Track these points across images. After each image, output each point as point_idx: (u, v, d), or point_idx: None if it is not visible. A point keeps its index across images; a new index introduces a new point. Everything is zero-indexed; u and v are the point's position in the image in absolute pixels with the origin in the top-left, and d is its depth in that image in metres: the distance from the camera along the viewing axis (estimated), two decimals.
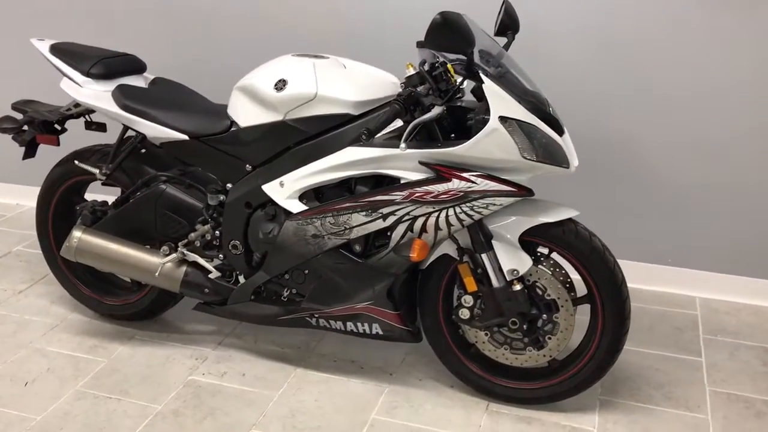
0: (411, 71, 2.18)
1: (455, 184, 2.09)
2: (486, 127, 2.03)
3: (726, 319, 2.95)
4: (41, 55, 2.72)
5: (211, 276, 2.54)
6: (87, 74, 2.58)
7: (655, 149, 2.99)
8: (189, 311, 2.78)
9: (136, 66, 2.69)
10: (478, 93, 2.19)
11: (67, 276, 2.91)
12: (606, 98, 2.97)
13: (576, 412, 2.41)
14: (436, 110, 2.08)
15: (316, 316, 2.47)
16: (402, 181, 2.16)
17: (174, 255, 2.53)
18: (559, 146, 2.11)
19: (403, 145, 2.05)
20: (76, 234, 2.55)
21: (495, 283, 2.25)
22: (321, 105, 2.24)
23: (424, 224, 2.17)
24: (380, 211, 2.18)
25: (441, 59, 2.15)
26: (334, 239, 2.27)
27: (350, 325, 2.46)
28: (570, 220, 2.23)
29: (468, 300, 2.30)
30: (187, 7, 3.42)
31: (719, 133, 2.91)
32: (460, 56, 2.09)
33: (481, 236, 2.22)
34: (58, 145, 2.78)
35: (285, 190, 2.32)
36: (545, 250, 2.32)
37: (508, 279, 2.24)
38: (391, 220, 2.19)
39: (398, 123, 2.20)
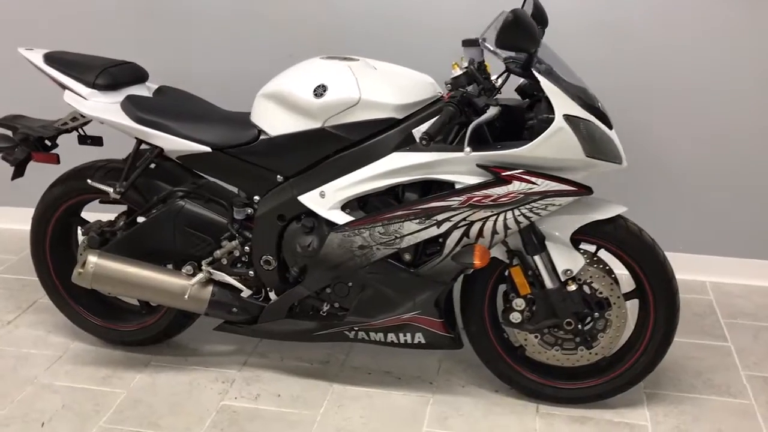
0: (457, 71, 2.11)
1: (515, 186, 2.04)
2: (552, 126, 1.97)
3: (740, 302, 3.00)
4: (30, 66, 2.51)
5: (242, 294, 2.40)
6: (92, 86, 2.39)
7: (665, 138, 3.02)
8: (201, 331, 2.64)
9: (139, 75, 2.51)
10: (528, 91, 2.14)
11: (69, 304, 2.71)
12: (613, 89, 2.96)
13: (625, 408, 2.39)
14: (493, 111, 2.01)
15: (356, 329, 2.37)
16: (457, 186, 2.09)
17: (201, 275, 2.38)
18: (613, 142, 2.08)
19: (468, 149, 1.98)
20: (92, 259, 2.36)
21: (549, 284, 2.20)
22: (364, 110, 2.14)
23: (481, 229, 2.10)
24: (435, 217, 2.10)
25: (481, 58, 2.09)
26: (383, 249, 2.18)
27: (391, 336, 2.37)
28: (618, 216, 2.21)
29: (519, 303, 2.25)
30: (166, 10, 3.23)
31: (725, 124, 2.97)
32: (514, 54, 2.03)
33: (534, 238, 2.17)
34: (58, 162, 2.57)
35: (327, 200, 2.21)
36: (591, 248, 2.29)
37: (562, 279, 2.20)
38: (446, 226, 2.11)
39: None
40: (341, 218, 2.20)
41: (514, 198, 2.05)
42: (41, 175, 2.71)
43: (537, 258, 2.18)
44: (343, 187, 2.19)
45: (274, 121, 2.26)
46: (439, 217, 2.10)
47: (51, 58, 2.45)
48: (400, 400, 2.45)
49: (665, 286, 2.24)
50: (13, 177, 2.65)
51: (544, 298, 2.22)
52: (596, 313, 2.27)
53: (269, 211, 2.31)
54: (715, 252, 3.13)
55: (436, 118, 1.99)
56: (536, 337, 2.33)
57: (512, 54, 2.07)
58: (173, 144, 2.34)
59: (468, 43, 2.12)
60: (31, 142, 2.52)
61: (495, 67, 2.23)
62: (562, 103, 1.98)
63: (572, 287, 2.21)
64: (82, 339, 2.78)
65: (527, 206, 2.06)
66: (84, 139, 2.63)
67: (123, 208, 2.65)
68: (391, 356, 2.64)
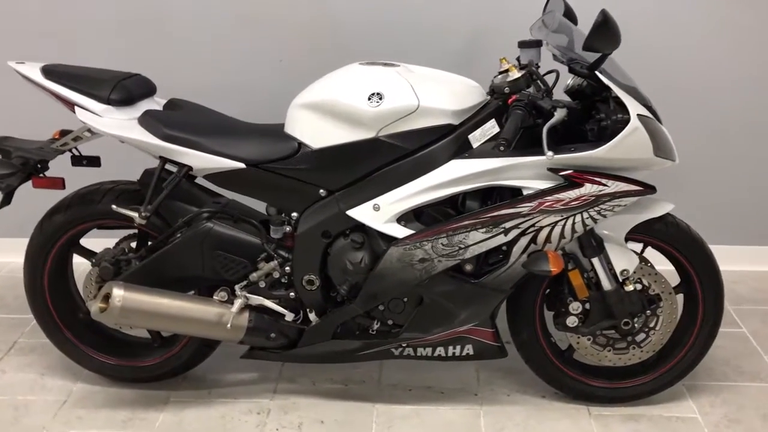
0: (505, 65, 2.08)
1: (587, 188, 2.00)
2: (628, 126, 1.95)
3: (738, 288, 3.11)
4: (23, 81, 2.25)
5: (286, 318, 2.25)
6: (107, 101, 2.17)
7: None
8: (215, 361, 2.48)
9: (149, 88, 2.31)
10: (586, 91, 2.11)
11: (72, 343, 2.46)
12: None
13: (670, 403, 2.41)
14: (562, 113, 1.97)
15: (404, 345, 2.27)
16: (525, 191, 2.03)
17: (240, 301, 2.21)
18: (669, 139, 2.09)
19: (550, 153, 1.92)
20: (118, 292, 2.13)
21: (607, 286, 2.18)
22: (422, 117, 2.05)
23: (549, 234, 2.06)
24: (503, 225, 2.04)
25: (539, 59, 2.05)
26: (445, 261, 2.09)
27: (440, 351, 2.29)
28: (667, 213, 2.22)
29: (576, 307, 2.22)
30: (148, 19, 3.01)
31: (722, 119, 3.07)
32: (576, 55, 2.00)
33: (593, 240, 2.15)
34: (63, 188, 2.32)
35: (382, 213, 2.10)
36: (638, 246, 2.30)
37: (620, 280, 2.19)
38: (513, 233, 2.05)
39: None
40: (399, 231, 2.09)
41: (585, 201, 2.01)
42: (27, 202, 2.45)
43: (596, 260, 2.16)
44: (400, 199, 2.08)
45: (317, 132, 2.12)
46: (507, 225, 2.04)
47: (52, 73, 2.21)
48: (450, 415, 2.37)
49: (714, 280, 2.27)
50: (1, 205, 2.37)
51: (600, 300, 2.20)
52: (648, 311, 2.27)
53: (312, 228, 2.18)
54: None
55: (509, 122, 1.93)
56: (588, 339, 2.31)
57: (575, 55, 2.04)
58: (204, 161, 2.16)
59: (526, 44, 2.07)
60: (31, 166, 2.26)
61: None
62: (633, 104, 1.96)
63: (630, 287, 2.20)
64: (84, 379, 2.54)
65: (596, 208, 2.04)
66: (79, 160, 2.39)
67: (123, 233, 2.43)
68: (426, 370, 2.56)
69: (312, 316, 2.27)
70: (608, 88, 2.00)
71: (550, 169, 2.00)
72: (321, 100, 2.10)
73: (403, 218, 2.11)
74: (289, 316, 2.25)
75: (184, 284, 2.28)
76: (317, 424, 2.33)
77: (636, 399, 2.39)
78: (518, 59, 2.17)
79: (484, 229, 2.04)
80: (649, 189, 2.06)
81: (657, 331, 2.30)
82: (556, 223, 2.04)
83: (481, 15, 2.98)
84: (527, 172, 2.02)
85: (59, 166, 2.36)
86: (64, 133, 2.41)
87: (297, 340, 2.30)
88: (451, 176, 2.05)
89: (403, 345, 2.27)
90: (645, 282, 2.26)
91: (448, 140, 2.07)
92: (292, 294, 2.25)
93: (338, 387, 2.51)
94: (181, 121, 2.20)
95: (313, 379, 2.54)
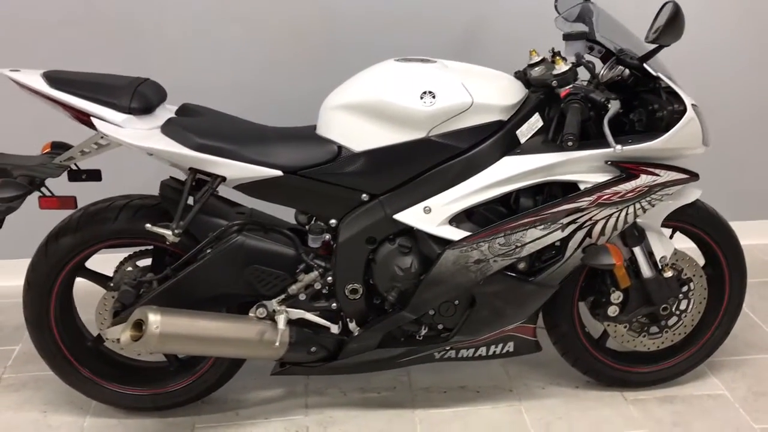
0: (536, 57, 2.06)
1: (643, 179, 2.01)
2: (685, 117, 1.96)
3: None
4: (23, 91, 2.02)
5: (332, 330, 2.14)
6: (129, 110, 1.98)
7: None
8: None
9: (162, 94, 2.13)
10: (627, 82, 2.10)
11: (83, 376, 2.25)
12: None
13: (697, 381, 2.48)
14: (616, 105, 1.96)
15: (447, 348, 2.22)
16: (581, 185, 2.01)
17: (282, 316, 2.08)
18: (708, 127, 2.12)
19: (619, 146, 1.90)
20: (154, 318, 1.96)
21: (647, 273, 2.21)
22: (474, 115, 1.99)
23: (604, 227, 2.05)
24: (561, 221, 2.01)
25: (586, 52, 2.04)
26: (500, 261, 2.05)
27: (482, 350, 2.26)
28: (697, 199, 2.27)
29: (617, 296, 2.23)
30: (131, 19, 2.79)
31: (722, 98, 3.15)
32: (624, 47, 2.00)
33: (635, 230, 2.16)
34: (75, 207, 2.10)
35: (434, 216, 2.02)
36: (667, 231, 2.33)
37: (659, 267, 2.22)
38: (570, 229, 2.03)
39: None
40: (454, 233, 2.03)
41: (640, 192, 2.02)
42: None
43: (637, 249, 2.18)
44: (453, 200, 2.02)
45: (360, 134, 2.02)
46: (565, 220, 2.01)
47: (57, 81, 1.99)
48: (493, 414, 2.34)
49: (739, 260, 2.34)
50: None
51: (640, 288, 2.23)
52: (680, 294, 2.31)
53: (356, 235, 2.08)
54: None
55: (570, 116, 1.90)
56: (625, 327, 2.33)
57: (622, 46, 2.03)
58: (239, 171, 2.01)
59: (572, 37, 2.04)
60: (36, 185, 2.03)
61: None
62: (685, 94, 1.98)
63: (668, 273, 2.23)
64: (93, 413, 2.34)
65: (647, 198, 2.05)
66: (77, 175, 2.17)
67: (124, 253, 2.25)
68: (454, 370, 2.51)
69: (352, 326, 2.18)
70: (655, 79, 2.01)
71: (609, 162, 1.99)
72: (365, 101, 2.00)
73: (455, 219, 2.05)
74: (334, 328, 2.14)
75: (214, 303, 2.13)
76: None
77: (666, 381, 2.44)
78: (557, 52, 2.15)
79: (542, 226, 2.01)
80: (694, 176, 2.09)
81: (688, 313, 2.35)
82: (611, 215, 2.04)
83: (479, 6, 2.93)
84: (583, 166, 2.00)
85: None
86: (56, 146, 2.18)
87: (336, 351, 2.20)
88: (505, 174, 2.00)
89: (447, 348, 2.22)
90: (678, 266, 2.30)
91: (498, 137, 2.02)
92: (334, 305, 2.14)
93: (371, 396, 2.42)
94: (210, 129, 2.03)
95: (342, 389, 2.45)
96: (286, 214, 2.23)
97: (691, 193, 2.22)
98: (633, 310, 2.25)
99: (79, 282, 2.26)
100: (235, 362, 2.28)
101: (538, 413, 2.34)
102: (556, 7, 2.33)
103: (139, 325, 2.00)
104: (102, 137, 2.04)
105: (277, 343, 2.05)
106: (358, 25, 2.86)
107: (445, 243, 2.04)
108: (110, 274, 2.21)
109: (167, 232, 1.99)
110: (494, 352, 2.27)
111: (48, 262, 2.13)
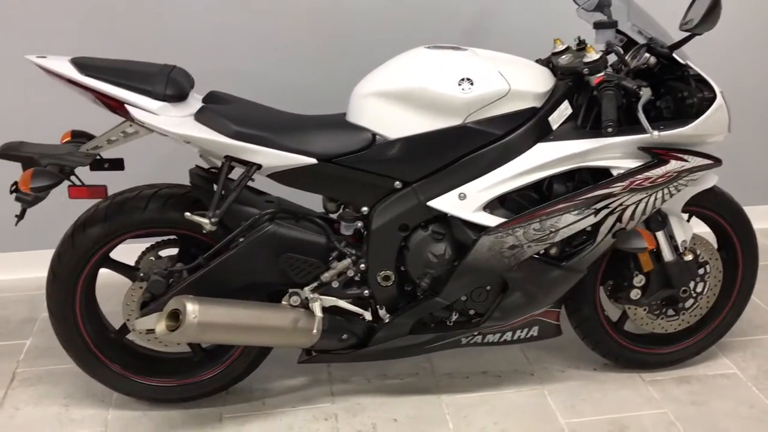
0: (560, 46, 2.11)
1: (672, 165, 2.05)
2: (714, 103, 2.01)
3: None
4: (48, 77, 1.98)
5: (365, 317, 2.15)
6: (164, 98, 1.94)
7: None
8: None
9: (191, 81, 2.10)
10: (642, 71, 2.14)
11: (109, 368, 2.22)
12: None
13: (709, 362, 2.55)
14: (648, 92, 2.00)
15: (475, 333, 2.25)
16: (614, 171, 2.05)
17: (317, 303, 2.08)
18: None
19: (656, 132, 1.94)
20: (192, 307, 1.94)
21: (668, 257, 2.26)
22: (510, 101, 2.01)
23: (633, 212, 2.09)
24: (594, 206, 2.05)
25: (616, 40, 2.07)
26: (534, 246, 2.08)
27: (508, 335, 2.29)
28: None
29: (640, 280, 2.28)
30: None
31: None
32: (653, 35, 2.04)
33: (658, 215, 2.21)
34: (106, 196, 2.06)
35: (469, 202, 2.04)
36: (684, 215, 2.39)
37: (680, 251, 2.27)
38: (602, 214, 2.07)
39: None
40: (490, 219, 2.05)
41: (669, 177, 2.06)
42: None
43: (659, 234, 2.23)
44: (488, 187, 2.03)
45: (395, 121, 2.02)
46: (598, 206, 2.05)
47: (87, 67, 1.94)
48: (518, 398, 2.37)
49: (751, 242, 2.41)
50: (19, 220, 2.09)
51: (661, 271, 2.28)
52: (698, 277, 2.38)
53: (389, 222, 2.08)
54: None
55: (605, 103, 1.93)
56: (644, 309, 2.39)
57: (653, 35, 2.07)
58: (275, 159, 2.00)
59: (602, 25, 2.07)
60: (66, 174, 1.99)
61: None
62: (714, 82, 2.03)
63: (688, 257, 2.29)
64: (116, 405, 2.32)
65: (674, 184, 2.09)
66: (101, 164, 2.13)
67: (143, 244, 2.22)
68: (474, 355, 2.54)
69: (382, 313, 2.18)
70: (682, 67, 2.05)
71: (641, 148, 2.03)
72: (402, 88, 2.00)
73: (489, 205, 2.07)
74: (367, 315, 2.15)
75: (245, 292, 2.11)
76: (391, 423, 2.26)
77: (681, 362, 2.50)
78: (582, 40, 2.18)
79: (576, 212, 2.04)
80: (717, 161, 2.15)
81: (704, 295, 2.42)
82: (640, 200, 2.08)
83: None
84: (616, 152, 2.04)
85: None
86: (77, 134, 2.15)
87: (365, 338, 2.21)
88: (540, 160, 2.03)
89: (474, 333, 2.24)
90: (695, 249, 2.36)
91: (532, 124, 2.04)
92: (366, 292, 2.15)
93: (395, 382, 2.44)
94: (245, 116, 2.01)
95: (365, 376, 2.46)
96: (310, 201, 2.23)
97: (710, 179, 2.28)
98: (654, 293, 2.31)
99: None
100: (263, 351, 2.27)
101: (561, 396, 2.38)
102: None
103: (175, 315, 1.98)
104: (130, 125, 2.01)
105: (315, 331, 2.05)
106: (371, 14, 2.85)
107: (479, 229, 2.06)
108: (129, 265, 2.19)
109: (204, 221, 1.96)
110: (519, 336, 2.30)
111: (75, 253, 2.09)
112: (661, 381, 2.46)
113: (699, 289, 2.40)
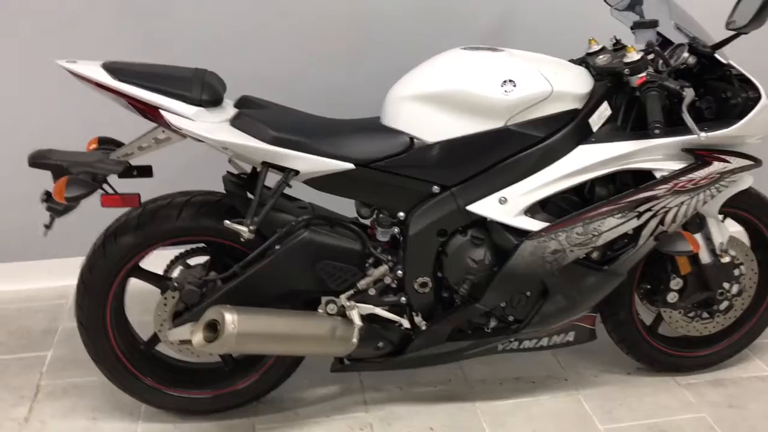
0: (595, 46, 2.11)
1: (715, 166, 2.03)
2: (760, 103, 1.99)
3: None
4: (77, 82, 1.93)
5: (402, 325, 2.11)
6: (200, 103, 1.90)
7: None
8: None
9: (224, 86, 2.05)
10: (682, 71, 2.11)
11: (140, 381, 2.16)
12: None
13: (741, 364, 2.52)
14: (691, 92, 1.97)
15: (512, 340, 2.21)
16: (656, 173, 2.02)
17: (355, 311, 2.04)
18: None
19: (703, 133, 1.91)
20: (231, 317, 1.89)
21: (706, 259, 2.24)
22: (553, 103, 1.97)
23: (676, 214, 2.06)
24: (638, 209, 2.02)
25: (657, 40, 2.05)
26: (576, 251, 2.04)
27: (544, 341, 2.26)
28: None
29: (677, 283, 2.26)
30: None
31: None
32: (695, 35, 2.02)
33: (697, 217, 2.19)
34: (139, 205, 2.01)
35: (510, 206, 2.01)
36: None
37: (717, 253, 2.25)
38: (646, 216, 2.04)
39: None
40: (532, 224, 2.01)
41: (712, 179, 2.04)
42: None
43: (698, 236, 2.20)
44: (530, 190, 2.00)
45: (434, 125, 1.99)
46: (642, 208, 2.02)
47: (119, 72, 1.89)
48: (554, 404, 2.34)
49: None
50: (47, 230, 2.04)
51: (698, 273, 2.25)
52: (733, 279, 2.35)
53: (427, 227, 2.05)
54: None
55: (650, 104, 1.90)
56: (680, 312, 2.36)
57: (695, 35, 2.05)
58: (313, 165, 1.96)
59: (643, 26, 2.04)
60: (99, 182, 1.94)
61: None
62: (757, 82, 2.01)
63: (726, 259, 2.26)
64: (145, 418, 2.26)
65: (716, 185, 2.07)
66: (129, 171, 2.08)
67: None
68: (505, 361, 2.49)
69: (418, 320, 2.14)
70: (724, 67, 2.03)
71: (685, 150, 2.00)
72: (442, 91, 1.97)
73: (529, 209, 2.04)
74: (405, 323, 2.11)
75: (280, 301, 2.07)
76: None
77: (716, 364, 2.48)
78: (618, 40, 2.15)
79: (620, 215, 2.01)
80: (758, 162, 2.12)
81: (740, 297, 2.39)
82: (683, 202, 2.05)
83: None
84: (659, 154, 2.01)
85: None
86: (103, 141, 2.10)
87: (401, 346, 2.17)
88: (583, 163, 1.99)
89: (511, 339, 2.21)
90: (732, 252, 2.33)
91: (573, 126, 2.01)
92: (403, 299, 2.11)
93: (428, 390, 2.40)
94: (282, 121, 1.97)
95: (397, 384, 2.42)
96: (340, 206, 2.18)
97: (746, 179, 2.25)
98: (691, 296, 2.28)
99: None
100: (296, 359, 2.23)
101: (597, 401, 2.35)
102: None
103: (212, 326, 1.93)
104: (163, 131, 1.97)
105: (354, 340, 2.01)
106: (392, 17, 2.81)
107: (521, 234, 2.03)
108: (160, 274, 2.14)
109: (243, 229, 1.92)
110: (555, 342, 2.27)
111: (107, 263, 2.04)
112: (695, 384, 2.43)
113: (734, 291, 2.37)
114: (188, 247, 2.18)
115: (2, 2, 2.67)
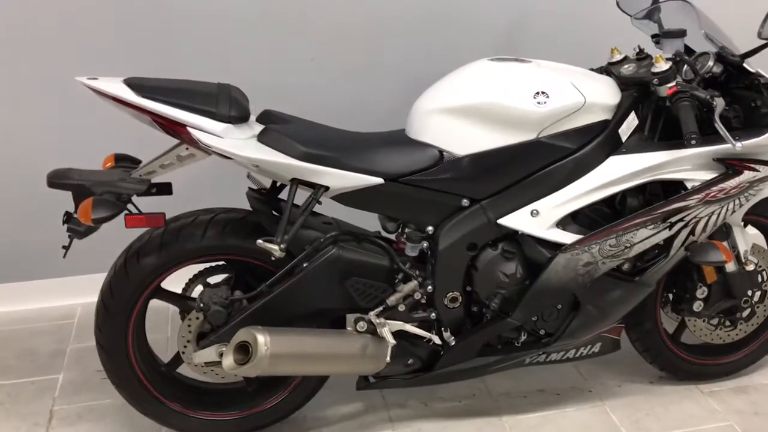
0: (617, 56, 2.11)
1: (746, 175, 2.02)
2: None
3: None
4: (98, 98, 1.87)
5: (434, 341, 2.07)
6: (228, 119, 1.85)
7: None
8: None
9: (247, 100, 2.00)
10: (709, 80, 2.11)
11: (164, 404, 2.10)
12: None
13: (762, 370, 2.51)
14: (722, 102, 1.96)
15: (540, 353, 2.19)
16: (688, 183, 2.01)
17: (386, 329, 1.99)
18: None
19: (739, 144, 1.90)
20: (263, 338, 1.84)
21: (731, 268, 2.23)
22: (585, 114, 1.96)
23: (706, 224, 2.06)
24: (670, 220, 2.00)
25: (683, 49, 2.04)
26: (609, 263, 2.02)
27: (571, 353, 2.24)
28: None
29: (702, 291, 2.25)
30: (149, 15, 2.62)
31: None
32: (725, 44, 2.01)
33: (723, 226, 2.18)
34: (164, 224, 1.95)
35: (542, 219, 1.98)
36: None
37: (743, 261, 2.25)
38: (677, 227, 2.03)
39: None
40: (565, 237, 1.99)
41: (742, 188, 2.03)
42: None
43: (724, 244, 2.20)
44: (562, 203, 1.98)
45: (464, 138, 1.96)
46: (674, 219, 2.01)
47: (142, 88, 1.84)
48: (581, 416, 2.32)
49: None
50: (66, 252, 1.97)
51: (723, 282, 2.25)
52: (756, 286, 2.35)
53: (457, 242, 2.01)
54: None
55: (684, 115, 1.89)
56: (704, 321, 2.35)
57: (723, 43, 2.04)
58: (343, 180, 1.92)
59: (671, 35, 2.03)
60: (125, 202, 1.88)
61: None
62: None
63: (750, 267, 2.26)
64: None
65: (745, 195, 2.06)
66: (149, 189, 2.02)
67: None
68: (528, 374, 2.46)
69: (446, 335, 2.11)
70: (751, 76, 2.03)
71: (716, 159, 1.99)
72: (472, 104, 1.94)
73: (561, 222, 2.01)
74: (436, 339, 2.07)
75: (308, 320, 2.02)
76: None
77: (738, 371, 2.48)
78: (642, 49, 2.14)
79: (652, 226, 2.00)
80: None
81: (762, 304, 2.39)
82: (713, 212, 2.04)
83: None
84: (690, 164, 2.00)
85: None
86: (119, 158, 2.04)
87: (429, 362, 2.14)
88: (615, 174, 1.98)
89: (540, 353, 2.19)
90: (754, 259, 2.33)
91: (603, 137, 2.00)
92: (432, 315, 2.07)
93: (453, 405, 2.37)
94: (311, 137, 1.93)
95: (421, 400, 2.38)
96: (362, 220, 2.14)
97: None
98: (715, 304, 2.27)
99: None
100: (322, 379, 2.18)
101: (624, 411, 2.33)
102: (619, 7, 2.32)
103: (243, 348, 1.88)
104: (187, 148, 1.91)
105: (388, 358, 1.96)
106: (405, 28, 2.79)
107: (553, 246, 2.00)
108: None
109: (274, 248, 1.87)
110: (582, 353, 2.25)
111: (130, 284, 1.98)
112: (719, 392, 2.42)
113: (756, 298, 2.38)
114: (206, 265, 2.12)
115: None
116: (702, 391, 2.43)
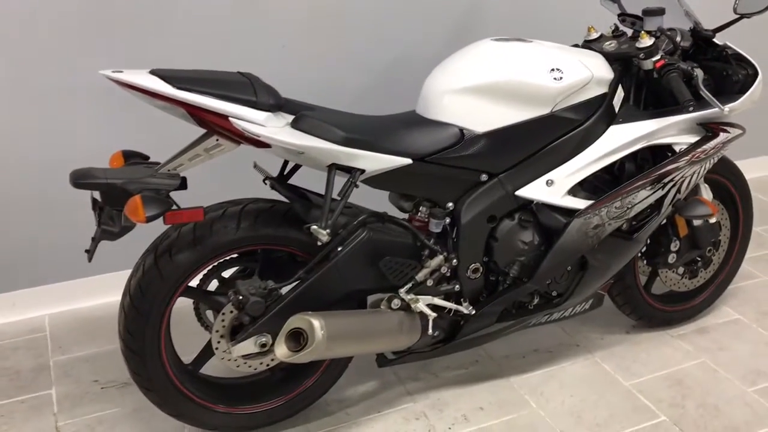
0: (594, 34, 2.29)
1: (721, 137, 2.25)
2: (758, 79, 2.23)
3: None
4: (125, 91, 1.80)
5: (463, 311, 2.16)
6: (268, 108, 1.83)
7: None
8: None
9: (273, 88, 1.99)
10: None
11: (197, 405, 2.06)
12: None
13: (712, 312, 2.80)
14: (701, 72, 2.18)
15: (548, 312, 2.34)
16: (675, 147, 2.22)
17: (420, 303, 2.07)
18: None
19: (726, 108, 2.12)
20: (318, 322, 1.85)
21: (698, 221, 2.49)
22: (591, 88, 2.11)
23: (689, 183, 2.28)
24: (663, 180, 2.21)
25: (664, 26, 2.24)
26: (613, 224, 2.20)
27: (568, 311, 2.41)
28: None
29: (675, 245, 2.49)
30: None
31: None
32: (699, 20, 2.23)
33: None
34: (203, 218, 1.89)
35: (557, 188, 2.12)
36: None
37: None
38: (668, 187, 2.23)
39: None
40: (579, 203, 2.14)
41: (717, 148, 2.27)
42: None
43: (709, 199, 2.44)
44: (574, 171, 2.13)
45: (482, 115, 2.05)
46: (667, 179, 2.21)
47: (175, 79, 1.77)
48: (577, 369, 2.50)
49: (748, 197, 2.69)
50: (90, 257, 1.89)
51: (692, 235, 2.50)
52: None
53: (477, 215, 2.11)
54: None
55: (675, 85, 2.08)
56: (673, 271, 2.60)
57: (698, 20, 2.25)
58: (378, 163, 1.96)
59: (651, 13, 2.21)
60: (165, 198, 1.81)
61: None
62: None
63: (713, 219, 2.52)
64: None
65: (717, 154, 2.31)
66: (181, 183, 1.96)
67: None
68: (518, 336, 2.59)
69: (466, 305, 2.21)
70: (717, 48, 2.26)
71: (700, 124, 2.21)
72: (492, 82, 2.03)
73: (571, 189, 2.16)
74: (465, 309, 2.17)
75: (341, 302, 2.05)
76: (479, 411, 2.30)
77: (697, 315, 2.76)
78: (617, 26, 2.33)
79: (650, 187, 2.19)
80: (744, 130, 2.39)
81: (718, 252, 2.68)
82: (694, 171, 2.27)
83: None
84: (678, 129, 2.21)
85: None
86: (127, 155, 1.97)
87: (451, 332, 2.23)
88: (617, 142, 2.15)
89: (546, 313, 2.34)
90: None
91: (603, 108, 2.16)
92: (457, 287, 2.16)
93: (462, 372, 2.47)
94: (342, 122, 1.94)
95: (430, 371, 2.47)
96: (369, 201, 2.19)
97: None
98: (684, 255, 2.52)
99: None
100: (347, 361, 2.21)
101: (613, 361, 2.54)
102: None
103: (295, 335, 1.88)
104: (216, 140, 1.88)
105: (430, 330, 2.04)
106: (377, 11, 2.82)
107: (567, 213, 2.15)
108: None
109: (323, 232, 1.88)
110: (576, 311, 2.41)
111: (164, 284, 1.91)
112: (685, 335, 2.69)
113: (714, 247, 2.66)
114: (220, 259, 2.09)
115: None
116: (671, 335, 2.69)
